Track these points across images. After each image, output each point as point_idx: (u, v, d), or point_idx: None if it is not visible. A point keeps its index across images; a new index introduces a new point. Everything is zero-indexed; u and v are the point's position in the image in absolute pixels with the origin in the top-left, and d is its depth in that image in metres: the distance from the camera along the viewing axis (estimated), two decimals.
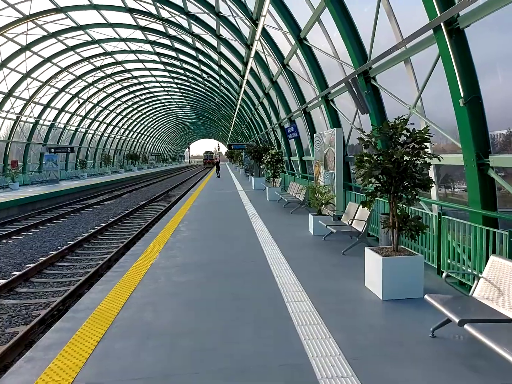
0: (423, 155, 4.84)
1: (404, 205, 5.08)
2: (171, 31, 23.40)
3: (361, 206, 7.64)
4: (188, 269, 6.51)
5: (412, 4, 6.56)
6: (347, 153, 10.22)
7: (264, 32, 13.36)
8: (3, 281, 8.37)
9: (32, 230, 14.82)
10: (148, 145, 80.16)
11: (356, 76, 7.58)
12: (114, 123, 49.69)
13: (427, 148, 4.97)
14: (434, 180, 5.00)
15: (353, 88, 7.57)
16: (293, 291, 5.32)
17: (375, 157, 5.06)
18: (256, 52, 15.38)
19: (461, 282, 5.51)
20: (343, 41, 7.81)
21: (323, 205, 9.10)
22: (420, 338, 3.96)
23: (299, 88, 13.82)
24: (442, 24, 4.93)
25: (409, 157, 4.93)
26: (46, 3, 19.71)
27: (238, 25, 15.62)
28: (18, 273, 9.08)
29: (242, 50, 18.63)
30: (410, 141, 4.81)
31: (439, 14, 4.95)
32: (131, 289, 5.57)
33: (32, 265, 9.61)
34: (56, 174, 32.13)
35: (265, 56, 15.46)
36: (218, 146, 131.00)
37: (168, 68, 34.44)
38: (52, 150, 33.06)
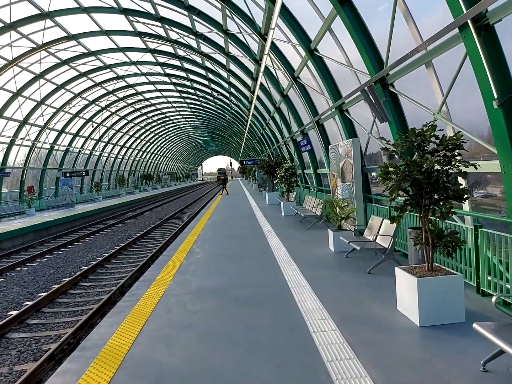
0: (457, 164, 4.36)
1: (438, 219, 4.58)
2: (181, 52, 23.61)
3: (385, 220, 7.16)
4: (202, 296, 6.08)
5: (429, 4, 6.19)
6: (365, 164, 9.76)
7: (273, 46, 13.19)
8: (14, 313, 8.10)
9: (47, 256, 14.68)
10: (161, 164, 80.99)
11: (373, 83, 7.19)
12: (127, 145, 50.33)
13: (460, 155, 4.50)
14: (469, 190, 4.51)
15: (370, 96, 7.18)
16: (318, 318, 4.82)
17: (402, 168, 4.61)
18: (266, 67, 15.20)
19: (505, 302, 4.93)
20: (357, 48, 7.46)
21: (343, 220, 8.61)
22: (469, 373, 3.43)
23: (311, 100, 13.50)
24: (469, 21, 4.53)
25: (441, 166, 4.46)
26: (58, 31, 20.14)
27: (246, 41, 15.53)
28: (30, 303, 8.81)
29: (251, 66, 18.54)
30: (442, 148, 4.35)
31: (465, 11, 4.55)
32: (142, 321, 5.16)
33: (44, 294, 9.35)
34: (71, 198, 32.41)
35: (274, 70, 15.26)
36: (231, 163, 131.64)
37: (179, 88, 34.80)
38: (68, 174, 33.43)
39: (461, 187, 4.45)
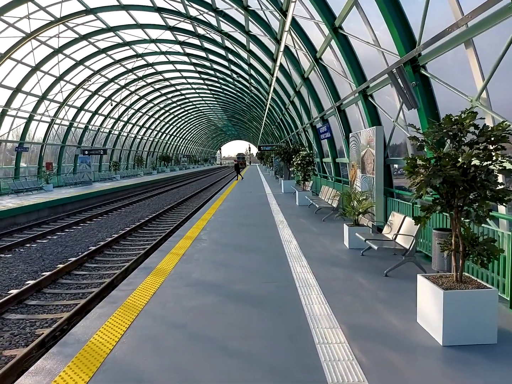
0: (500, 159, 3.66)
1: (472, 223, 3.92)
2: (200, 30, 22.85)
3: (408, 218, 6.48)
4: (201, 290, 5.62)
5: None
6: (387, 155, 9.00)
7: (295, 24, 12.35)
8: (15, 292, 7.90)
9: (58, 233, 14.61)
10: (180, 146, 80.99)
11: (402, 65, 6.41)
12: (147, 125, 50.22)
13: (504, 149, 3.79)
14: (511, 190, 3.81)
15: (398, 80, 6.42)
16: (325, 327, 4.28)
17: (432, 161, 3.94)
18: (286, 47, 14.37)
19: None
20: (387, 25, 6.64)
21: (361, 215, 7.95)
22: None
23: (333, 84, 12.65)
24: None
25: (479, 161, 3.77)
26: (76, 4, 19.70)
27: (267, 19, 14.68)
28: (32, 282, 8.61)
29: (271, 46, 17.68)
30: (483, 140, 3.65)
31: None
32: (133, 316, 4.74)
33: (48, 273, 9.14)
34: (89, 175, 32.58)
35: (295, 50, 14.41)
36: (249, 148, 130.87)
37: (199, 69, 34.10)
38: (86, 152, 33.54)
39: (504, 187, 3.76)
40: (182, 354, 3.80)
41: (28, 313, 7.25)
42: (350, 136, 10.36)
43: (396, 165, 9.66)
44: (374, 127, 8.32)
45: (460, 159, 3.73)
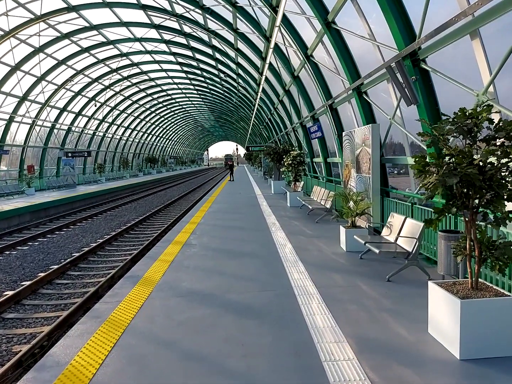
0: None
1: (489, 226, 3.61)
2: (187, 28, 22.36)
3: (409, 219, 6.19)
4: (193, 301, 5.20)
5: None
6: (383, 154, 8.73)
7: (285, 20, 11.99)
8: None
9: (39, 239, 13.95)
10: (167, 148, 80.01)
11: (401, 59, 6.12)
12: (132, 126, 49.32)
13: None
14: None
15: (397, 74, 6.12)
16: (331, 341, 3.92)
17: (447, 159, 3.62)
18: (276, 45, 14.03)
19: None
20: (386, 17, 6.31)
21: (358, 216, 7.64)
22: None
23: (325, 82, 12.36)
24: None
25: (496, 158, 3.47)
26: (57, 1, 19.00)
27: (256, 15, 14.32)
28: (11, 293, 8.04)
29: (260, 45, 17.33)
30: (503, 135, 3.34)
31: None
32: (118, 332, 4.30)
33: (27, 283, 8.59)
34: (73, 178, 31.67)
35: (285, 48, 14.08)
36: (237, 149, 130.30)
37: (185, 69, 33.54)
38: (69, 154, 32.65)
39: None
40: (173, 377, 3.40)
41: (5, 327, 6.71)
42: (343, 135, 10.07)
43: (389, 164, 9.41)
44: (370, 125, 8.03)
45: (477, 157, 3.42)
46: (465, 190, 3.63)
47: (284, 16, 11.75)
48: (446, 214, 3.68)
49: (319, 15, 9.19)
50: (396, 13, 6.14)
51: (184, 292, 5.58)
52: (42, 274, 9.32)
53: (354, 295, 5.20)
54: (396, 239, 6.24)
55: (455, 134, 3.55)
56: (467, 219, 3.73)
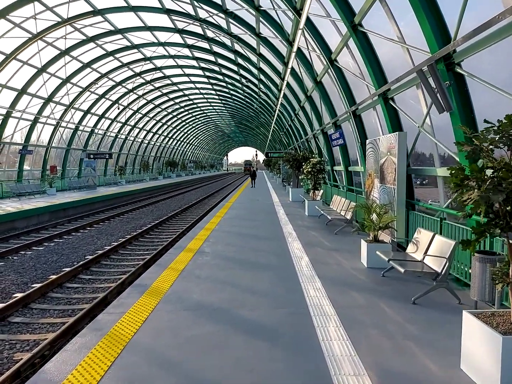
0: None
1: None
2: (209, 33, 22.35)
3: (438, 236, 5.68)
4: (202, 316, 4.86)
5: None
6: (409, 164, 8.21)
7: (309, 23, 11.67)
8: None
9: (55, 240, 13.96)
10: (187, 152, 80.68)
11: (434, 62, 5.66)
12: (154, 130, 49.88)
13: None
14: None
15: (429, 79, 5.67)
16: (349, 373, 3.49)
17: (489, 173, 3.16)
18: (299, 49, 13.70)
19: None
20: (419, 18, 5.86)
21: (381, 230, 7.15)
22: None
23: (349, 88, 11.91)
24: None
25: None
26: (83, 5, 19.31)
27: (279, 19, 14.04)
28: (20, 295, 7.91)
29: (283, 49, 17.05)
30: None
31: None
32: (119, 348, 4.00)
33: (38, 285, 8.46)
34: (94, 180, 32.08)
35: (309, 52, 13.73)
36: (256, 154, 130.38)
37: (207, 74, 33.66)
38: (91, 156, 33.15)
39: None
40: None
41: (10, 332, 6.54)
42: (367, 143, 9.59)
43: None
44: (397, 133, 7.55)
45: None
46: (509, 208, 3.16)
47: (308, 19, 11.44)
48: (488, 235, 3.21)
49: (345, 17, 8.80)
50: (429, 13, 5.69)
51: (192, 305, 5.24)
52: (53, 277, 9.21)
53: (376, 318, 4.73)
54: (423, 258, 5.74)
55: (500, 144, 3.10)
56: (511, 241, 3.25)
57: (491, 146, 3.19)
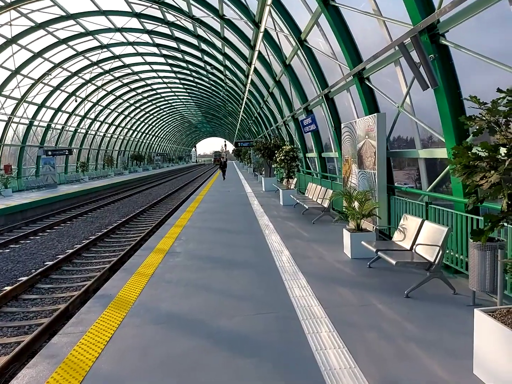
0: None
1: None
2: (170, 17, 21.12)
3: (427, 223, 5.30)
4: (173, 329, 4.24)
5: None
6: (387, 147, 7.83)
7: (276, 2, 10.99)
8: None
9: (11, 246, 12.77)
10: (153, 144, 78.27)
11: (418, 33, 5.19)
12: (116, 122, 47.71)
13: None
14: None
15: (413, 52, 5.21)
16: None
17: (503, 152, 2.71)
18: (266, 31, 13.01)
19: None
20: None
21: (364, 218, 6.75)
22: None
23: (320, 69, 11.39)
24: None
25: None
26: None
27: None
28: None
29: (249, 32, 16.26)
30: None
31: None
32: (77, 380, 3.31)
33: None
34: (54, 178, 30.20)
35: (276, 33, 13.06)
36: (225, 145, 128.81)
37: (170, 61, 32.23)
38: (49, 152, 31.12)
39: None
40: None
41: None
42: (342, 127, 9.15)
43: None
44: (375, 114, 7.12)
45: None
46: None
47: None
48: (505, 224, 2.78)
49: None
50: None
51: (163, 317, 4.59)
52: (7, 289, 8.25)
53: (370, 318, 4.29)
54: (413, 246, 5.36)
55: None
56: None
57: (506, 119, 2.72)
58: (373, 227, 7.11)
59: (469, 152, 2.91)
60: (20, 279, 9.06)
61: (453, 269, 5.60)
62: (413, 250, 5.31)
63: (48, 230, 15.29)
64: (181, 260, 7.08)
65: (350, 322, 4.20)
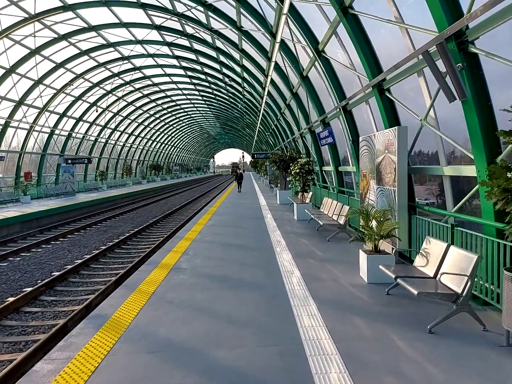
0: None
1: None
2: (189, 29, 21.24)
3: (453, 248, 4.77)
4: (167, 361, 3.84)
5: None
6: (408, 163, 7.32)
7: (293, 12, 10.72)
8: None
9: (22, 254, 12.69)
10: (172, 155, 79.08)
11: (444, 41, 4.75)
12: (136, 133, 48.34)
13: None
14: None
15: (437, 62, 4.77)
16: None
17: None
18: (283, 42, 12.77)
19: None
20: None
21: (382, 239, 6.23)
22: None
23: (338, 81, 10.99)
24: None
25: None
26: (52, 0, 17.98)
27: (261, 9, 13.04)
28: None
29: (266, 43, 16.09)
30: None
31: None
32: None
33: None
34: (72, 186, 30.57)
35: (293, 44, 12.79)
36: (243, 156, 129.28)
37: (189, 73, 32.48)
38: (69, 161, 31.60)
39: None
40: None
41: None
42: (360, 141, 8.68)
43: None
44: (396, 127, 6.65)
45: None
46: None
47: (292, 7, 10.50)
48: None
49: (334, 1, 7.84)
50: None
51: (158, 344, 4.20)
52: (10, 299, 8.06)
53: (388, 356, 3.77)
54: (436, 274, 4.82)
55: None
56: None
57: None
58: (392, 248, 6.57)
59: (509, 174, 2.44)
60: (24, 289, 8.88)
61: (481, 300, 5.02)
62: (437, 278, 4.77)
63: (61, 239, 15.23)
64: (186, 277, 6.70)
65: (364, 361, 3.70)
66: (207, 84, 35.32)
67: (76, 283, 9.48)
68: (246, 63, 21.63)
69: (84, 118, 33.53)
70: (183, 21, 19.62)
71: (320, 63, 10.95)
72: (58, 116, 29.75)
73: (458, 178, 6.67)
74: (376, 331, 4.35)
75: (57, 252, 12.78)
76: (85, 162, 33.76)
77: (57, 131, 30.90)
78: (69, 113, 30.79)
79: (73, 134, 33.52)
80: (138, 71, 30.98)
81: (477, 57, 4.85)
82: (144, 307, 5.32)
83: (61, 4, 18.51)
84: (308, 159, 14.50)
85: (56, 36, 21.41)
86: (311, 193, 14.54)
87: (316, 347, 3.98)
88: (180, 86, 38.13)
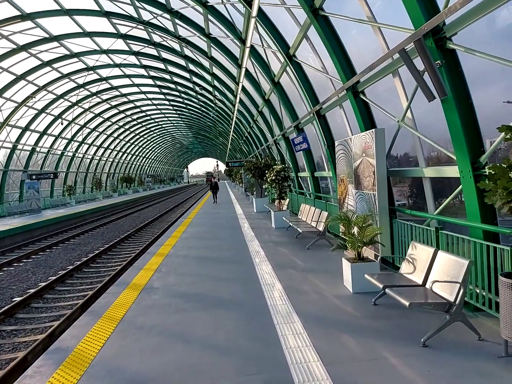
0: None
1: None
2: (156, 37, 20.73)
3: (442, 253, 4.54)
4: None
5: None
6: (387, 166, 7.14)
7: (262, 17, 10.49)
8: None
9: None
10: (144, 166, 77.41)
11: (422, 37, 4.56)
12: (105, 145, 46.88)
13: None
14: None
15: (417, 58, 4.57)
16: None
17: None
18: (253, 47, 12.54)
19: None
20: None
21: (365, 246, 5.96)
22: None
23: (310, 85, 10.82)
24: None
25: None
26: (9, 8, 17.06)
27: (229, 15, 12.78)
28: None
29: (236, 50, 15.82)
30: None
31: None
32: None
33: None
34: (38, 203, 29.07)
35: (264, 50, 12.57)
36: (217, 165, 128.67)
37: (158, 83, 31.82)
38: (34, 176, 30.10)
39: None
40: None
41: None
42: (336, 145, 8.47)
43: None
44: (373, 130, 6.45)
45: None
46: None
47: (261, 11, 10.29)
48: None
49: (303, 2, 7.64)
50: None
51: (126, 382, 3.68)
52: None
53: (384, 380, 3.43)
54: (425, 281, 4.56)
55: None
56: None
57: None
58: (376, 255, 6.31)
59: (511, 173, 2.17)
60: None
61: (472, 306, 4.79)
62: (426, 286, 4.51)
63: (25, 260, 14.24)
64: (158, 298, 6.17)
65: (355, 380, 3.34)
66: (177, 93, 34.73)
67: (39, 309, 8.71)
68: (216, 71, 21.31)
69: (49, 132, 32.13)
70: (150, 29, 19.12)
71: (292, 68, 10.75)
72: (21, 130, 28.32)
73: (438, 179, 6.53)
74: (367, 349, 4.01)
75: (20, 275, 11.86)
76: (51, 177, 32.30)
77: (19, 146, 29.39)
78: (32, 127, 29.39)
79: (37, 149, 32.03)
80: (104, 81, 30.03)
81: (455, 54, 4.70)
82: (112, 335, 4.77)
83: (19, 13, 17.60)
84: (283, 165, 14.25)
85: (15, 47, 20.35)
86: (288, 200, 14.27)
87: (305, 372, 3.59)
88: (150, 96, 37.34)
